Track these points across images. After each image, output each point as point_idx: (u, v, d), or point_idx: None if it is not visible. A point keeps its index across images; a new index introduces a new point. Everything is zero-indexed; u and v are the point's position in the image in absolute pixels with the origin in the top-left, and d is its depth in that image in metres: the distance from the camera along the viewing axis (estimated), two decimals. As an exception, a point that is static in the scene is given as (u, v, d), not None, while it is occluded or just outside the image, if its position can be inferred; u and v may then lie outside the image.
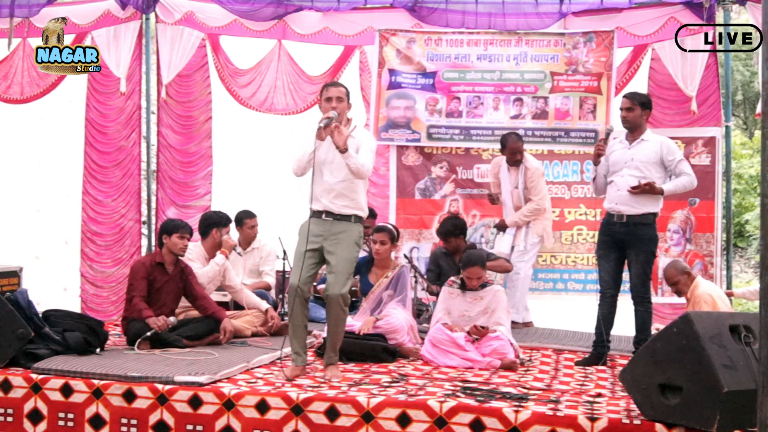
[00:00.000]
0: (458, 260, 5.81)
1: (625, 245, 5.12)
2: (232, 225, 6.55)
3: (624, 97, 5.29)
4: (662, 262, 6.80)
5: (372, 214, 6.22)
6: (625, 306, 5.41)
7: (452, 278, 5.55)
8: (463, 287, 5.40)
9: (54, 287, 7.50)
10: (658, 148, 5.09)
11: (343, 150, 4.40)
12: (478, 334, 5.13)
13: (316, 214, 4.64)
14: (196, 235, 6.18)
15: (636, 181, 5.04)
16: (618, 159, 5.22)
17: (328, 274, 4.59)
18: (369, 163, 4.61)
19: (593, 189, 5.49)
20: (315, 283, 6.83)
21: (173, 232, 5.45)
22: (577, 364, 5.20)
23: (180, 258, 5.52)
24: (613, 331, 5.33)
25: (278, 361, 4.81)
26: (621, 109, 5.23)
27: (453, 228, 6.27)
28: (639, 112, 5.13)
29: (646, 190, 5.00)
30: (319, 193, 4.62)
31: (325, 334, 5.15)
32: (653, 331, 5.69)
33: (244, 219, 6.71)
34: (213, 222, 6.03)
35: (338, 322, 4.61)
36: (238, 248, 6.37)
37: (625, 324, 5.64)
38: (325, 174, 4.59)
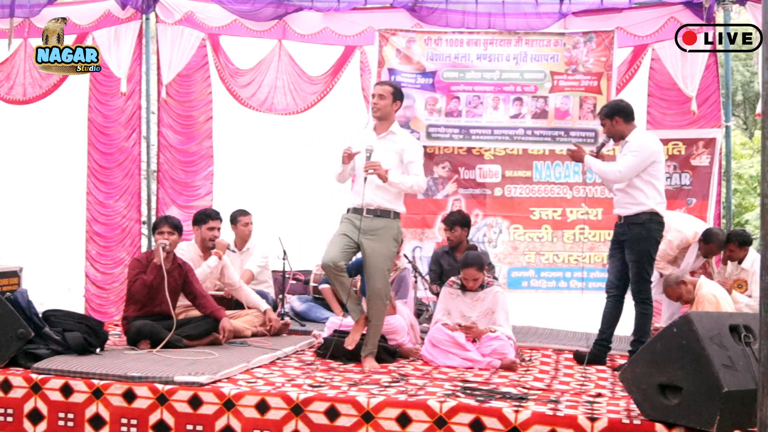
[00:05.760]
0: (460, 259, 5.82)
1: (624, 245, 5.16)
2: (228, 224, 6.55)
3: None
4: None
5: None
6: (627, 306, 5.41)
7: (452, 278, 5.54)
8: (464, 288, 5.40)
9: (58, 288, 7.51)
10: (631, 146, 5.14)
11: (385, 180, 4.80)
12: (468, 332, 5.19)
13: (356, 211, 4.94)
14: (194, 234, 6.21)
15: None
16: None
17: (366, 269, 4.92)
18: (421, 176, 4.99)
19: None
20: (316, 284, 6.85)
21: (154, 230, 5.52)
22: (575, 357, 5.24)
23: (177, 255, 5.52)
24: (615, 331, 5.33)
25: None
26: None
27: (460, 218, 6.38)
28: (608, 123, 5.21)
29: (575, 151, 5.20)
30: (358, 189, 4.92)
31: (324, 335, 5.42)
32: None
33: (238, 217, 6.71)
34: (195, 220, 6.12)
35: (377, 316, 4.94)
36: (231, 246, 6.37)
37: (625, 324, 5.63)
38: (368, 178, 4.84)
